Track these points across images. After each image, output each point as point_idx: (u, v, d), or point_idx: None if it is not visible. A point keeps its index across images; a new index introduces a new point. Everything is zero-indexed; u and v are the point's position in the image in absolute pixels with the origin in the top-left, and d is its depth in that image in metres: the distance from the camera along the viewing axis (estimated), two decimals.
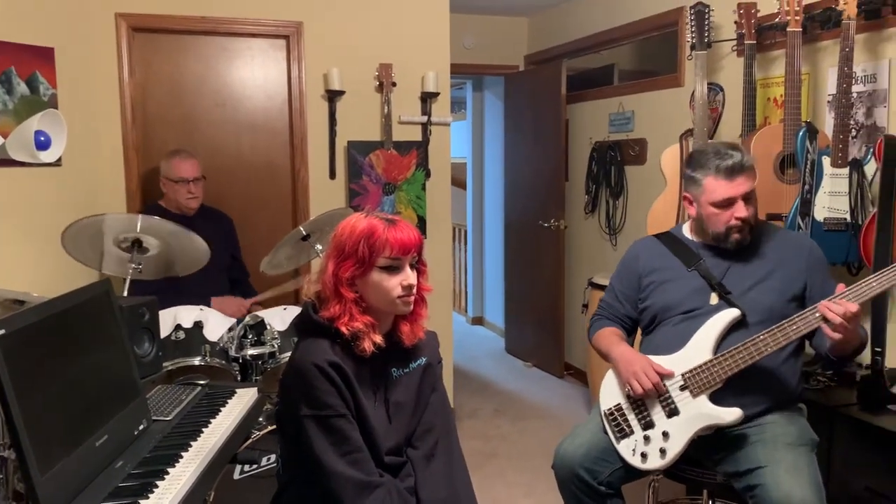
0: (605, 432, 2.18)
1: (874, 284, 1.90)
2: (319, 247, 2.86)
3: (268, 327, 2.73)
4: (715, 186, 2.10)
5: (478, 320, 6.67)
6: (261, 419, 2.60)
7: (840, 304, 1.87)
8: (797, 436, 2.04)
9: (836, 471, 2.34)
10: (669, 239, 2.33)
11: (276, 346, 2.71)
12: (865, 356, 2.38)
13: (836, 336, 1.90)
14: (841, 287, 1.94)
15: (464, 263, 7.00)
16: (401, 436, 1.68)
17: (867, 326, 2.40)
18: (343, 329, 1.58)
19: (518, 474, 3.51)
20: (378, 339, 1.61)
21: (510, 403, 4.56)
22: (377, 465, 1.59)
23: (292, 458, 1.66)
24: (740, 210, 2.10)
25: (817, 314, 1.93)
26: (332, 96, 3.75)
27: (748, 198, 2.11)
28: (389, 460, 1.63)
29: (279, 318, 2.78)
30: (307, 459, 1.55)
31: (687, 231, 2.32)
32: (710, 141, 3.21)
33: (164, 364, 2.47)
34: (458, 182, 6.73)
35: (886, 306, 2.50)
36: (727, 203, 2.10)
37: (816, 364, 2.59)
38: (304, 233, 2.82)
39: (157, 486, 1.50)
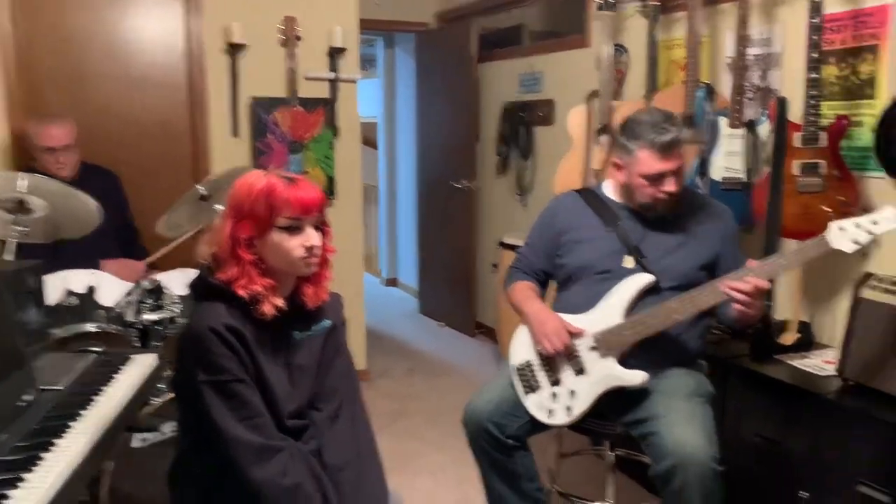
0: (514, 387, 2.22)
1: (783, 262, 1.94)
2: (220, 207, 2.75)
3: (166, 291, 2.62)
4: (648, 160, 2.06)
5: (392, 282, 6.66)
6: (162, 386, 2.52)
7: (750, 281, 1.91)
8: (694, 388, 2.12)
9: (731, 419, 2.46)
10: (590, 196, 2.30)
11: (176, 310, 2.61)
12: None
13: (743, 310, 1.95)
14: (751, 263, 1.97)
15: (376, 224, 6.95)
16: (303, 399, 1.65)
17: None
18: (241, 292, 1.53)
19: (430, 430, 3.54)
20: (279, 301, 1.57)
21: (423, 363, 4.59)
22: (279, 430, 1.56)
23: (191, 425, 1.61)
24: (669, 185, 2.08)
25: (724, 290, 1.96)
26: (234, 50, 3.60)
27: (678, 172, 2.09)
28: (292, 424, 1.60)
29: (179, 281, 2.68)
30: (206, 426, 1.51)
31: (609, 190, 2.29)
32: (651, 107, 3.24)
33: (56, 331, 2.35)
34: (369, 142, 6.63)
35: None
36: (657, 177, 2.08)
37: (722, 325, 2.70)
38: (202, 192, 2.71)
39: (42, 459, 1.42)
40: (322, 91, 3.84)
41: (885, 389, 2.11)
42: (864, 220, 1.86)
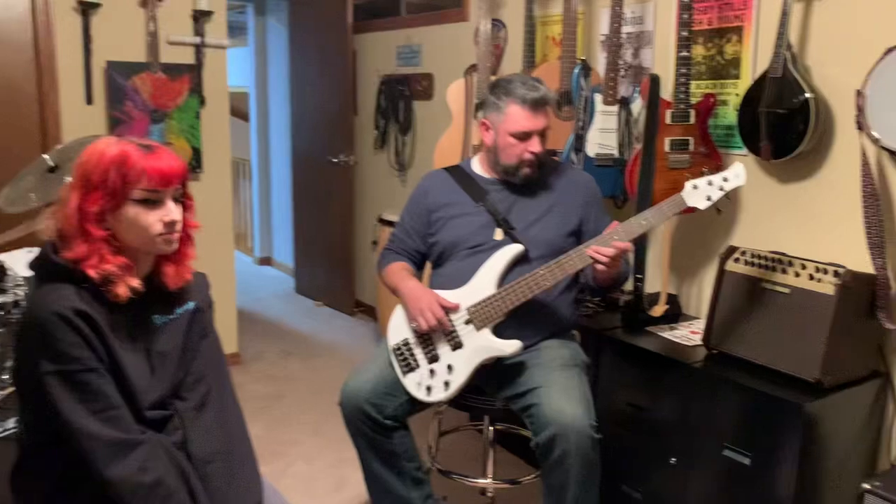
0: (392, 367, 2.17)
1: (643, 223, 2.00)
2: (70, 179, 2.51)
3: (9, 272, 2.37)
4: (517, 116, 2.11)
5: (265, 260, 6.43)
6: (6, 377, 2.28)
7: (615, 245, 1.96)
8: (569, 358, 2.15)
9: (603, 388, 2.52)
10: (459, 173, 2.32)
11: (20, 293, 2.36)
12: (629, 283, 2.56)
13: (604, 269, 2.00)
14: (614, 224, 2.03)
15: (249, 200, 6.67)
16: (166, 388, 1.51)
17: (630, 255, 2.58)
18: (91, 272, 1.38)
19: (306, 413, 3.44)
20: (135, 282, 1.43)
21: (299, 344, 4.45)
22: (138, 422, 1.43)
23: (35, 421, 1.44)
24: (535, 145, 2.13)
25: (589, 253, 2.00)
26: (86, 9, 3.29)
27: (544, 134, 2.15)
28: (152, 415, 1.47)
29: (24, 261, 2.42)
30: (53, 421, 1.35)
31: (477, 165, 2.32)
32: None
33: None
34: (240, 113, 6.34)
35: (647, 236, 2.69)
36: (525, 136, 2.12)
37: (585, 292, 2.75)
38: (50, 163, 2.46)
39: None
40: (187, 57, 3.59)
41: (746, 356, 2.22)
42: (715, 177, 1.99)
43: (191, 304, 1.58)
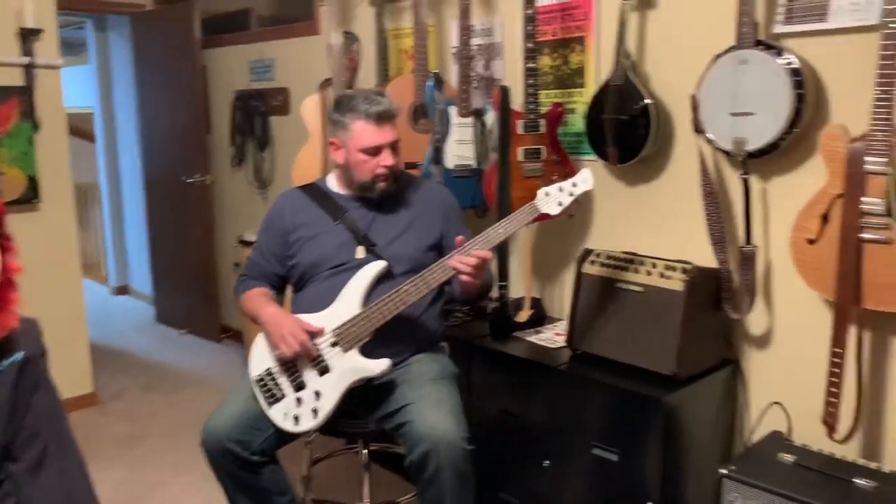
0: (256, 399, 2.07)
1: (501, 231, 2.02)
2: None
3: None
4: (363, 131, 2.08)
5: (122, 290, 6.05)
6: None
7: (475, 254, 1.96)
8: (439, 371, 2.14)
9: (477, 397, 2.53)
10: (315, 191, 2.26)
11: None
12: (494, 290, 2.59)
13: (469, 280, 1.99)
14: (460, 240, 2.02)
15: (100, 226, 6.26)
16: None
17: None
18: None
19: (171, 453, 3.24)
20: None
21: (162, 377, 4.21)
22: None
23: None
24: (387, 158, 2.11)
25: (452, 265, 2.00)
26: None
27: (394, 146, 2.13)
28: None
29: None
30: None
31: (333, 183, 2.27)
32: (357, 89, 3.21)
33: None
34: (85, 134, 5.95)
35: (508, 243, 2.74)
36: (375, 150, 2.09)
37: (453, 302, 2.76)
38: None
39: None
40: (15, 79, 3.31)
41: (607, 355, 2.29)
42: (565, 184, 2.05)
43: (19, 355, 1.43)
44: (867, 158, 1.87)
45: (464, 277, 1.99)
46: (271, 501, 2.07)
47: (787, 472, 1.96)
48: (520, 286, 2.80)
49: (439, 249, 2.23)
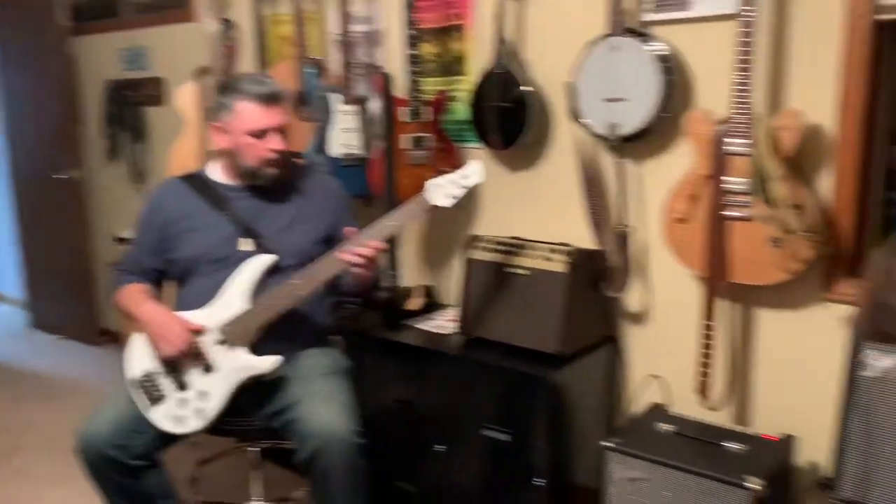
0: (135, 402, 1.98)
1: (392, 224, 1.99)
2: None
3: None
4: (250, 113, 1.99)
5: None
6: None
7: (366, 245, 1.93)
8: (330, 366, 2.11)
9: (370, 389, 2.50)
10: (196, 181, 2.15)
11: None
12: (385, 280, 2.58)
13: (363, 272, 1.96)
14: (349, 230, 1.99)
15: None
16: None
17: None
18: None
19: (47, 464, 3.05)
20: None
21: (36, 385, 3.95)
22: None
23: None
24: (275, 142, 2.03)
25: (343, 258, 1.96)
26: None
27: (283, 130, 2.05)
28: None
29: None
30: None
31: (217, 172, 2.16)
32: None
33: None
34: None
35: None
36: (262, 133, 2.01)
37: (345, 295, 2.73)
38: None
39: None
40: None
41: (498, 338, 2.33)
42: (455, 176, 2.03)
43: None
44: (729, 140, 1.98)
45: (357, 270, 1.96)
46: None
47: (665, 440, 2.06)
48: (410, 274, 2.80)
49: (329, 242, 2.15)
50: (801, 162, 2.00)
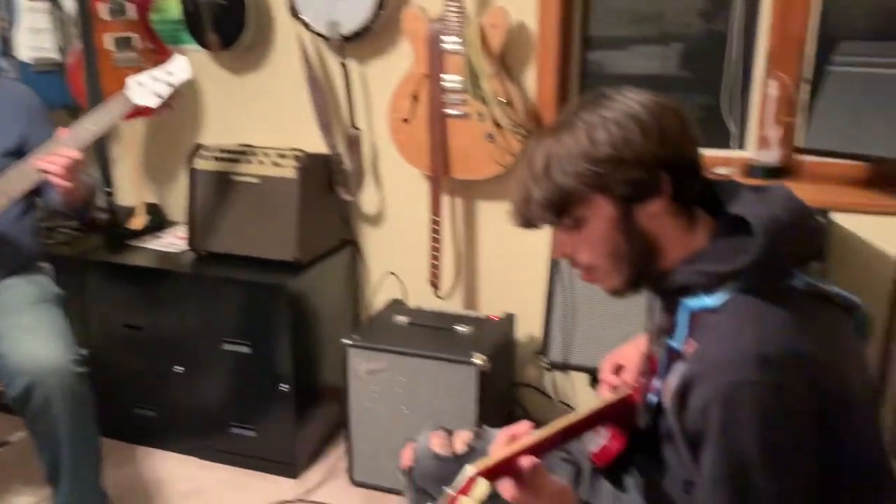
0: None
1: (91, 128, 1.81)
2: None
3: None
4: None
5: None
6: None
7: (62, 153, 1.73)
8: (38, 294, 1.92)
9: (95, 316, 2.33)
10: None
11: None
12: (101, 199, 2.36)
13: (65, 186, 1.76)
14: (63, 132, 1.80)
15: None
16: None
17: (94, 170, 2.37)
18: None
19: None
20: None
21: None
22: None
23: None
24: None
25: (36, 167, 1.76)
26: None
27: None
28: None
29: None
30: None
31: None
32: None
33: None
34: None
35: (108, 145, 2.49)
36: None
37: (56, 216, 2.46)
38: None
39: None
40: None
41: (231, 251, 2.26)
42: (158, 72, 1.91)
43: None
44: (443, 38, 2.03)
45: (55, 180, 1.75)
46: None
47: (402, 331, 2.16)
48: (130, 192, 2.59)
49: (22, 155, 1.92)
50: (508, 59, 2.12)
